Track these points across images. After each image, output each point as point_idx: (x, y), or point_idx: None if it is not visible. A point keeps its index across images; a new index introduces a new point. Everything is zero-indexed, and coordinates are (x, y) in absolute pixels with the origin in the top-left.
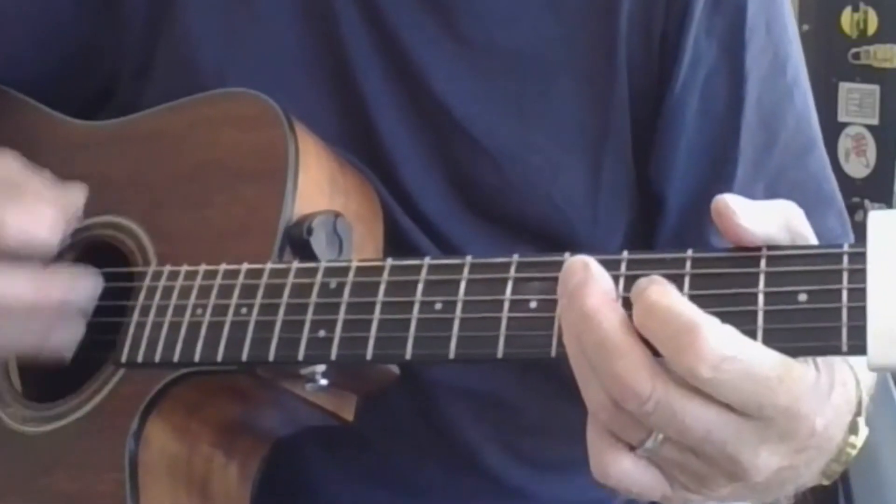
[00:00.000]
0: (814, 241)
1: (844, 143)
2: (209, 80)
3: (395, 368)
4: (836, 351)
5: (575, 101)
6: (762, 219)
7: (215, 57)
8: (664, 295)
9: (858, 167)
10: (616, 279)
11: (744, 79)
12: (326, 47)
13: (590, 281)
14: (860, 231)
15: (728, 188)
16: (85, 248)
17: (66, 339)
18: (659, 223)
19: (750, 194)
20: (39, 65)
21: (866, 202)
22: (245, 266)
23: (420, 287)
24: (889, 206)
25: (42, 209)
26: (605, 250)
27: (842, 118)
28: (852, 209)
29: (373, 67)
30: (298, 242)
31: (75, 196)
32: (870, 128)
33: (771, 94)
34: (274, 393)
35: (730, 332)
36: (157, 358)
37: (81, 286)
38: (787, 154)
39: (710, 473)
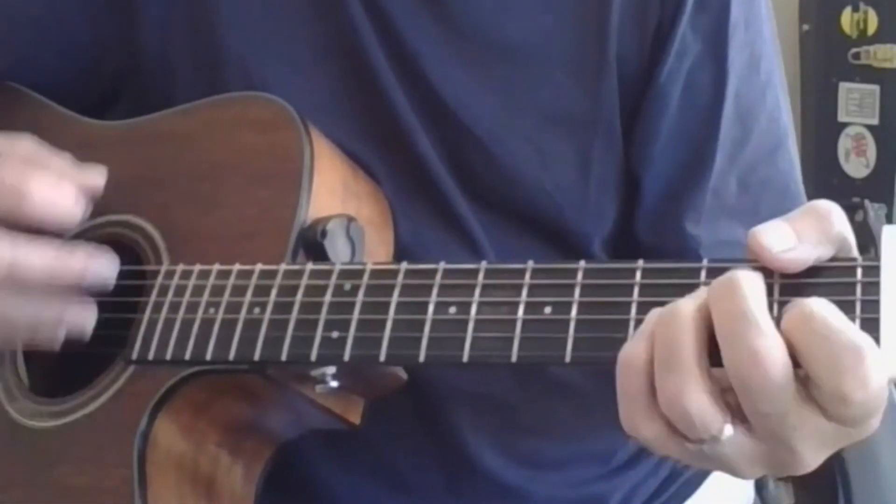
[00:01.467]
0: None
1: (844, 143)
2: (232, 71)
3: (403, 373)
4: None
5: (565, 91)
6: (802, 247)
7: (237, 48)
8: (824, 307)
9: (858, 167)
10: (630, 287)
11: (726, 73)
12: (338, 37)
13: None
14: (860, 231)
15: (706, 178)
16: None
17: (83, 317)
18: (637, 206)
19: (724, 185)
20: (47, 66)
21: (866, 202)
22: (259, 266)
23: (435, 290)
24: (889, 206)
25: (65, 184)
26: (595, 238)
27: (842, 118)
28: (852, 209)
29: (379, 55)
30: (312, 245)
31: (96, 176)
32: (870, 128)
33: (747, 91)
34: (283, 394)
35: (879, 355)
36: (169, 355)
37: (100, 263)
38: (758, 150)
39: (756, 464)
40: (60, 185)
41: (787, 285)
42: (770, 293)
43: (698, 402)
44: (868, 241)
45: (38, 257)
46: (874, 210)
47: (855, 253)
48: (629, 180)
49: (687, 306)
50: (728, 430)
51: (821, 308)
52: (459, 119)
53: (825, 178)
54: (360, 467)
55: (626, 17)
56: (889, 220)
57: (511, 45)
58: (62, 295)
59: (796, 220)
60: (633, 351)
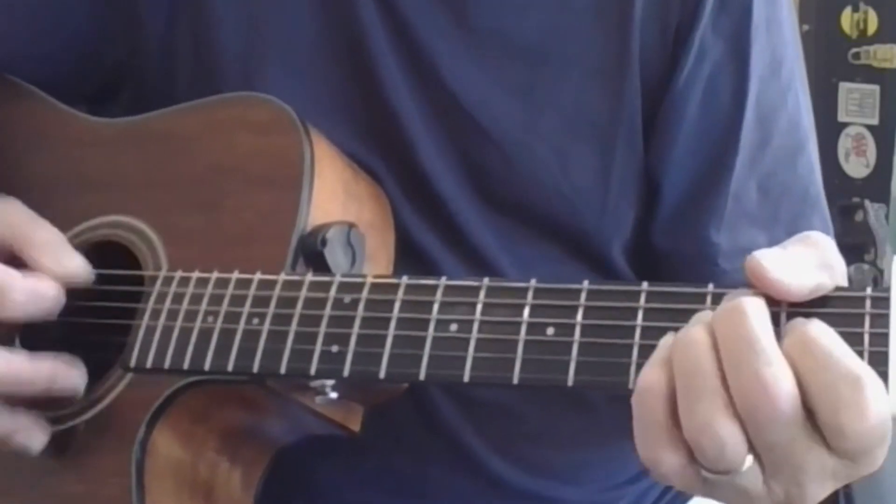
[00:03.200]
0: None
1: (844, 143)
2: (230, 70)
3: None
4: None
5: (586, 92)
6: (801, 271)
7: (238, 43)
8: (825, 334)
9: (858, 167)
10: (634, 311)
11: (748, 76)
12: (345, 34)
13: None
14: (860, 231)
15: (726, 183)
16: (93, 248)
17: (32, 438)
18: (655, 214)
19: (744, 191)
20: (48, 57)
21: (866, 202)
22: (258, 276)
23: (436, 306)
24: (888, 206)
25: (45, 282)
26: (615, 243)
27: (842, 118)
28: (852, 209)
29: (388, 54)
30: (312, 253)
31: (77, 266)
32: (870, 128)
33: (768, 94)
34: (282, 404)
35: (881, 387)
36: (167, 364)
37: (69, 375)
38: (778, 155)
39: (763, 498)
40: (41, 285)
41: (794, 315)
42: (777, 323)
43: (730, 428)
44: (868, 241)
45: (4, 364)
46: (874, 210)
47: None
48: (648, 184)
49: (701, 332)
50: (749, 460)
51: (821, 334)
52: (476, 121)
53: (825, 178)
54: (362, 470)
55: (648, 16)
56: (888, 220)
57: (530, 46)
58: (16, 410)
59: (792, 246)
60: (651, 378)
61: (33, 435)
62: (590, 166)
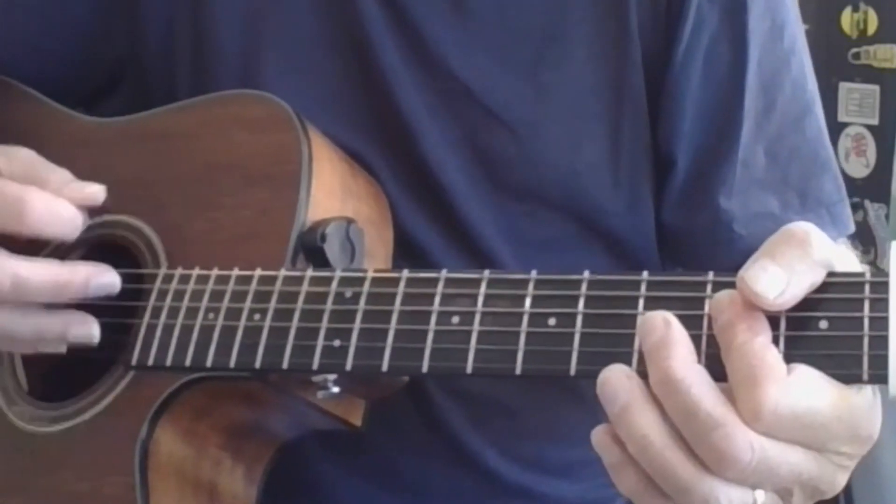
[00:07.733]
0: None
1: (844, 143)
2: (228, 64)
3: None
4: (857, 379)
5: (589, 69)
6: (791, 279)
7: (236, 39)
8: (748, 333)
9: (858, 167)
10: (635, 300)
11: (746, 43)
12: (344, 27)
13: (671, 342)
14: (860, 231)
15: (734, 151)
16: (92, 247)
17: (86, 330)
18: (667, 185)
19: (752, 157)
20: (51, 53)
21: (866, 202)
22: (258, 272)
23: (437, 299)
24: (888, 206)
25: (64, 195)
26: (631, 221)
27: (842, 118)
28: (852, 209)
29: (389, 45)
30: (312, 249)
31: (95, 190)
32: (870, 128)
33: (770, 59)
34: (284, 399)
35: (793, 384)
36: (169, 361)
37: (104, 276)
38: (785, 119)
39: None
40: (59, 197)
41: (793, 318)
42: (776, 327)
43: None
44: (868, 241)
45: (41, 272)
46: (874, 210)
47: (839, 268)
48: (659, 160)
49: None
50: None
51: (743, 337)
52: (485, 106)
53: None
54: (363, 468)
55: None
56: (888, 221)
57: (530, 27)
58: (64, 310)
59: (779, 253)
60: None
61: (88, 322)
62: (599, 143)
